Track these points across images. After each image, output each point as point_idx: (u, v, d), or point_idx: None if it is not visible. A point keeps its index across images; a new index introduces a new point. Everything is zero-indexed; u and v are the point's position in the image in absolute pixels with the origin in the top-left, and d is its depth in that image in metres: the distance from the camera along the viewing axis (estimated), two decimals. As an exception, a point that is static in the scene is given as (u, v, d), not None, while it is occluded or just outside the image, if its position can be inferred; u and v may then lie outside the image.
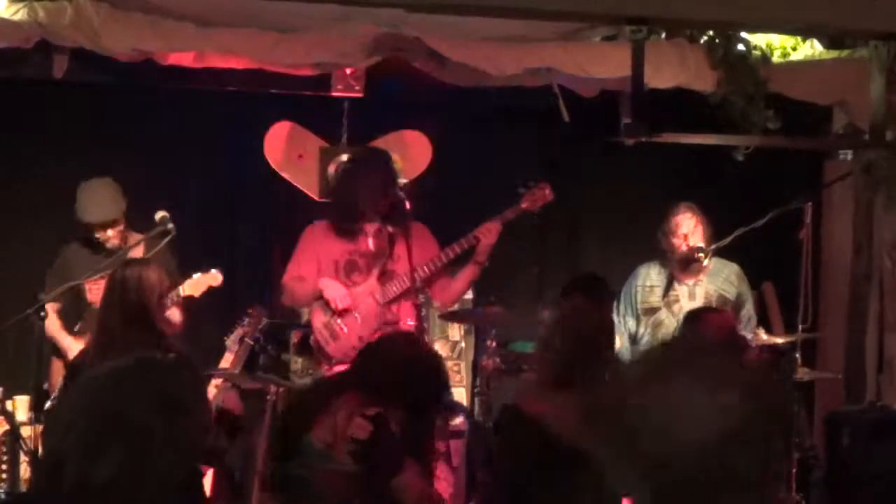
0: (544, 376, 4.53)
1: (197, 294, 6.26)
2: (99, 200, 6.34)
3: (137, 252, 6.26)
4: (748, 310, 6.65)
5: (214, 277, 6.30)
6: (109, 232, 6.35)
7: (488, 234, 6.07)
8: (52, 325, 6.18)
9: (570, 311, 4.68)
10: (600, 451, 1.71)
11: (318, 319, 6.11)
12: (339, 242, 6.09)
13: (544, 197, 6.26)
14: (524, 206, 6.22)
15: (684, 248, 6.42)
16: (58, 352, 6.26)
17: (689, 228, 6.44)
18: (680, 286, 6.54)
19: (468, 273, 6.20)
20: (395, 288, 6.05)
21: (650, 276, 6.61)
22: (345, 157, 6.96)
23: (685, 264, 6.48)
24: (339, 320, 6.05)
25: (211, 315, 6.77)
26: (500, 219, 6.11)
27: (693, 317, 5.86)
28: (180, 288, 6.19)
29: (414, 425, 4.60)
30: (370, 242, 6.08)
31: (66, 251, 6.45)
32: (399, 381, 4.49)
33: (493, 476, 5.57)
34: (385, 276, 6.02)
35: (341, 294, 6.01)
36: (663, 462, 1.60)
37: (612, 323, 4.85)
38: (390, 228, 6.02)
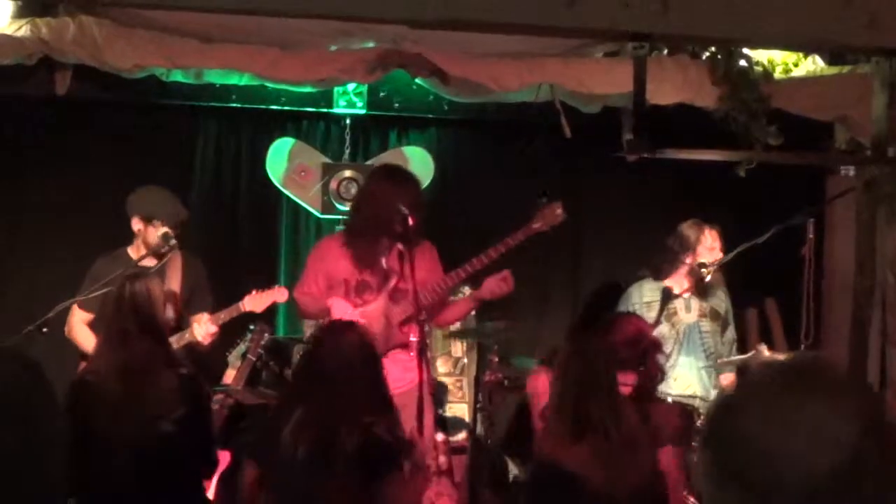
0: (559, 426, 4.45)
1: (259, 310, 6.24)
2: (174, 201, 6.25)
3: (175, 267, 6.20)
4: (732, 330, 6.62)
5: (280, 293, 6.27)
6: (173, 240, 6.18)
7: (503, 286, 5.90)
8: (81, 333, 6.12)
9: (565, 361, 4.58)
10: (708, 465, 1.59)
11: None
12: (352, 261, 5.94)
13: (556, 216, 6.04)
14: (536, 225, 6.00)
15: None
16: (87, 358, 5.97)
17: (719, 246, 6.44)
18: (676, 299, 6.51)
19: (465, 306, 6.16)
20: (407, 307, 5.92)
21: (644, 294, 6.55)
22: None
23: (696, 279, 6.46)
24: None
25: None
26: (502, 245, 5.89)
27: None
28: (240, 304, 6.19)
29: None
30: (383, 261, 5.89)
31: (109, 257, 6.20)
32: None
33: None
34: (396, 295, 5.86)
35: (350, 317, 5.93)
36: (771, 490, 1.51)
37: (613, 361, 4.72)
38: (401, 247, 5.83)
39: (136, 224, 6.22)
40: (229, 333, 6.70)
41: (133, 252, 6.27)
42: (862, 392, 1.57)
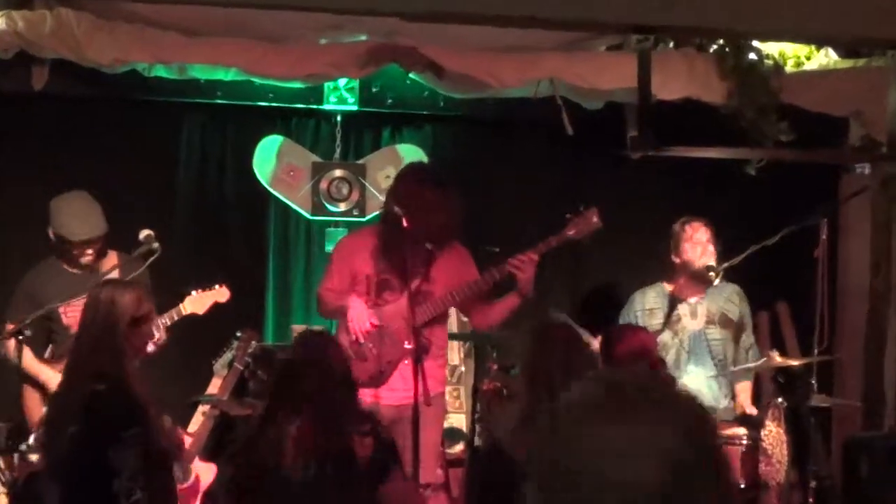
0: (520, 409, 4.44)
1: (201, 312, 6.17)
2: (82, 216, 6.05)
3: (115, 273, 6.03)
4: (749, 335, 6.52)
5: (221, 293, 6.23)
6: (90, 250, 6.05)
7: (522, 267, 5.74)
8: (24, 354, 5.83)
9: (531, 345, 4.54)
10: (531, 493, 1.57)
11: (344, 339, 5.79)
12: (376, 258, 5.83)
13: (591, 224, 5.88)
14: (570, 233, 5.85)
15: (698, 260, 6.32)
16: (29, 380, 5.94)
17: (705, 238, 6.35)
18: (682, 305, 6.44)
19: (509, 302, 5.92)
20: (427, 311, 5.76)
21: (648, 300, 6.49)
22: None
23: (695, 280, 6.35)
24: (368, 343, 5.75)
25: (200, 339, 6.64)
26: (535, 250, 5.77)
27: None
28: (181, 307, 6.09)
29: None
30: (407, 261, 5.67)
31: (38, 269, 6.13)
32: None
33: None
34: (418, 297, 5.66)
35: (362, 318, 5.72)
36: None
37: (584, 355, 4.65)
38: (429, 247, 5.70)
39: (51, 234, 6.10)
40: (215, 341, 6.60)
41: (64, 260, 6.12)
42: (678, 403, 1.58)
